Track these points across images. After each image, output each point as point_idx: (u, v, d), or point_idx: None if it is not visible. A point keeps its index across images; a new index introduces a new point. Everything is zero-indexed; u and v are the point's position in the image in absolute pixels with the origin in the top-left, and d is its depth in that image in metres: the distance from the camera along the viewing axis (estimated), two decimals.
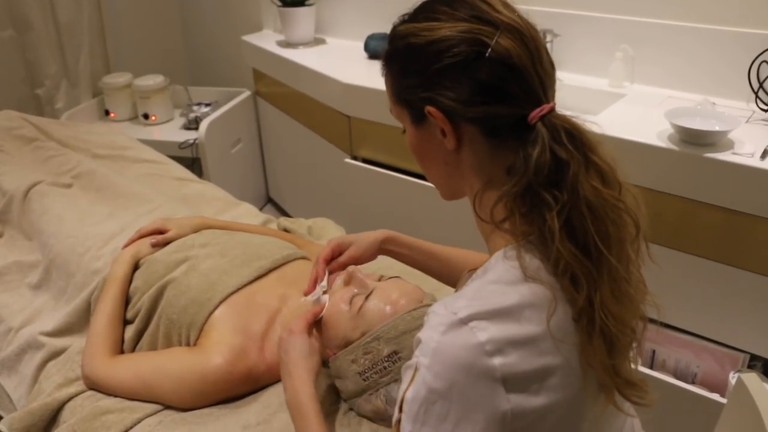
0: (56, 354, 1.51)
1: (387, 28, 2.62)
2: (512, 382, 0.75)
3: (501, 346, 0.75)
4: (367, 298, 1.15)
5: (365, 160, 2.41)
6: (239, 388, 1.27)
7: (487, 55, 0.79)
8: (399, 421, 0.80)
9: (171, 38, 3.73)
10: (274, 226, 1.90)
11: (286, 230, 1.83)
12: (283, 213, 3.29)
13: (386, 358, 1.09)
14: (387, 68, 0.91)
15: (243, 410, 1.25)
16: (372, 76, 2.45)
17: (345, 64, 2.59)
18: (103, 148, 2.28)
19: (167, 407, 1.28)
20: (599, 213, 0.79)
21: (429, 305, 1.11)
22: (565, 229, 0.78)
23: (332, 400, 1.23)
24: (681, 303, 1.85)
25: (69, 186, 1.97)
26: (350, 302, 1.16)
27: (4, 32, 2.97)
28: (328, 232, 1.86)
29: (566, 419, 0.81)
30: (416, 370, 0.78)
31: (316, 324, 1.18)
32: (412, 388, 0.77)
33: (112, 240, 1.68)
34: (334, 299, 1.18)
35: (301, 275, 1.42)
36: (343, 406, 1.21)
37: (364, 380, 1.11)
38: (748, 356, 1.84)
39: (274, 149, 3.24)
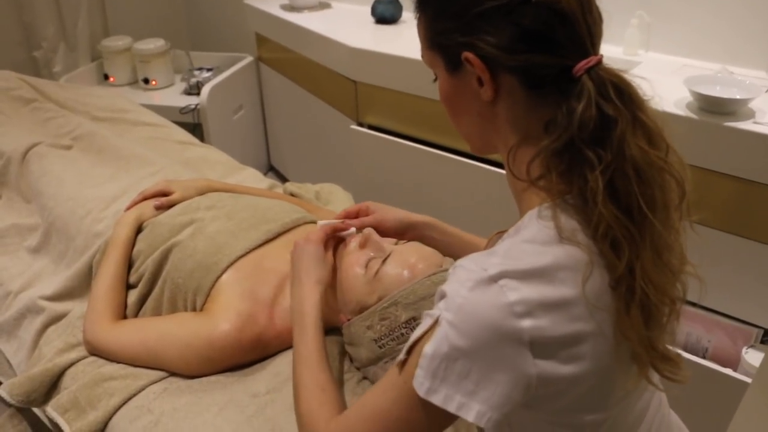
0: (56, 319, 1.47)
1: None
2: (540, 346, 0.71)
3: (531, 308, 0.70)
4: (384, 261, 1.10)
5: (371, 127, 2.35)
6: (247, 355, 1.23)
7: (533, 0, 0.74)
8: (403, 362, 0.77)
9: (171, 2, 3.65)
10: (279, 191, 1.85)
11: (292, 195, 1.78)
12: (285, 181, 3.23)
13: (404, 325, 1.05)
14: (420, 10, 0.85)
15: (251, 378, 1.21)
16: (379, 40, 2.39)
17: (351, 28, 2.52)
18: (102, 110, 2.21)
19: (172, 374, 1.25)
20: (645, 175, 0.74)
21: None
22: (607, 191, 0.73)
23: (345, 367, 1.19)
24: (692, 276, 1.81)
25: (69, 148, 1.91)
26: (366, 266, 1.11)
27: None
28: (336, 197, 1.81)
29: (595, 390, 0.77)
30: (437, 322, 0.73)
31: (334, 250, 1.19)
32: (432, 342, 0.73)
33: (114, 203, 1.62)
34: (349, 261, 1.13)
35: None
36: (357, 375, 1.17)
37: (380, 347, 1.07)
38: (761, 331, 1.81)
39: (277, 116, 3.18)
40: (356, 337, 1.11)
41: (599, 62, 0.76)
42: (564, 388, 0.75)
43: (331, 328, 1.22)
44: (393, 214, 1.22)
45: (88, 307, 1.37)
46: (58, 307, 1.49)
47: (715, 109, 1.68)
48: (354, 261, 1.13)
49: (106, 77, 3.19)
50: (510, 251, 0.75)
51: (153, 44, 3.07)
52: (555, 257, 0.73)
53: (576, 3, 0.75)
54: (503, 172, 1.93)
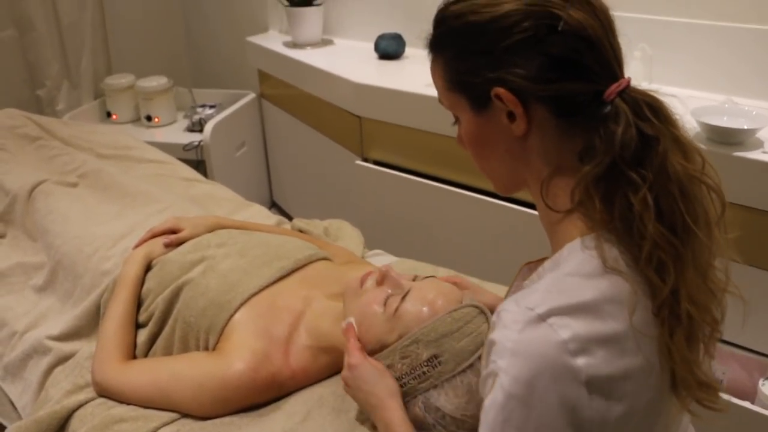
0: (64, 359, 1.44)
1: (397, 29, 2.58)
2: (596, 385, 0.69)
3: (585, 345, 0.68)
4: (403, 298, 1.08)
5: (377, 162, 2.34)
6: (262, 395, 1.20)
7: (559, 27, 0.74)
8: None
9: (174, 39, 3.67)
10: (287, 227, 1.83)
11: (300, 231, 1.77)
12: (289, 217, 3.22)
13: (425, 363, 1.02)
14: (437, 52, 0.85)
15: (267, 419, 1.18)
16: (383, 75, 2.40)
17: (355, 64, 2.54)
18: (107, 147, 2.21)
19: (184, 415, 1.21)
20: (687, 191, 0.73)
21: (472, 306, 1.05)
22: (653, 210, 0.72)
23: None
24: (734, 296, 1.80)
25: (75, 185, 1.90)
26: (384, 303, 1.09)
27: (4, 32, 2.90)
28: (345, 233, 1.79)
29: (641, 425, 0.75)
30: (495, 375, 0.71)
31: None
32: (491, 395, 0.71)
33: (122, 240, 1.61)
34: (367, 300, 1.11)
35: (324, 276, 1.36)
36: None
37: (402, 386, 1.04)
38: None
39: (279, 152, 3.18)
40: None
41: (628, 84, 0.76)
42: (612, 430, 0.72)
43: None
44: (486, 296, 1.18)
45: (97, 347, 1.34)
46: (66, 347, 1.46)
47: (723, 139, 1.68)
48: (372, 299, 1.10)
49: (109, 115, 3.19)
50: (553, 286, 0.73)
51: (156, 82, 3.08)
52: (600, 290, 0.72)
53: (600, 28, 0.76)
54: (512, 206, 1.95)
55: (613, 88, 0.75)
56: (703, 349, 0.78)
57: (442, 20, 0.84)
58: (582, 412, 0.69)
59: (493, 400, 0.70)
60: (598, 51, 0.75)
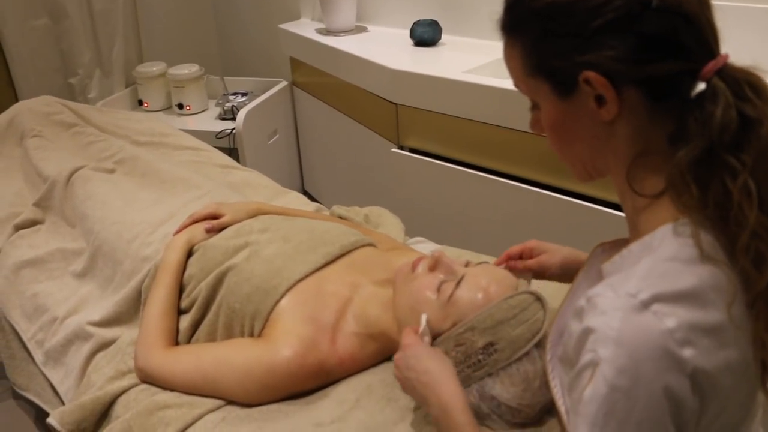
0: (105, 345, 1.43)
1: (432, 15, 2.53)
2: (698, 380, 0.66)
3: (690, 335, 0.65)
4: (457, 285, 1.05)
5: (413, 150, 2.31)
6: (309, 382, 1.18)
7: (653, 4, 0.69)
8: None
9: (205, 27, 3.67)
10: (326, 214, 1.81)
11: (340, 218, 1.74)
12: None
13: (481, 350, 0.99)
14: (516, 37, 0.80)
15: (314, 407, 1.16)
16: (419, 62, 2.36)
17: (390, 51, 2.50)
18: (142, 134, 2.20)
19: (230, 402, 1.19)
20: None
21: (528, 293, 1.02)
22: (749, 200, 0.68)
23: None
24: None
25: (112, 171, 1.89)
26: (438, 289, 1.06)
27: (39, 21, 2.92)
28: (385, 220, 1.77)
29: (733, 417, 0.71)
30: (596, 366, 0.67)
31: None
32: (591, 386, 0.67)
33: (162, 226, 1.59)
34: (419, 286, 1.08)
35: (370, 262, 1.33)
36: None
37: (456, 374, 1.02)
38: None
39: (311, 140, 3.16)
40: None
41: (726, 62, 0.71)
42: (706, 424, 0.69)
43: None
44: (557, 256, 1.13)
45: (139, 333, 1.33)
46: (107, 333, 1.45)
47: None
48: (425, 285, 1.08)
49: (141, 103, 3.20)
50: (652, 271, 0.70)
51: (187, 69, 3.08)
52: (701, 278, 0.68)
53: (696, 2, 0.71)
54: (551, 194, 1.91)
55: (711, 66, 0.70)
56: None
57: (518, 2, 0.79)
58: (685, 404, 0.66)
59: (594, 391, 0.67)
60: (695, 27, 0.71)
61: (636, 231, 0.79)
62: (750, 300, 0.69)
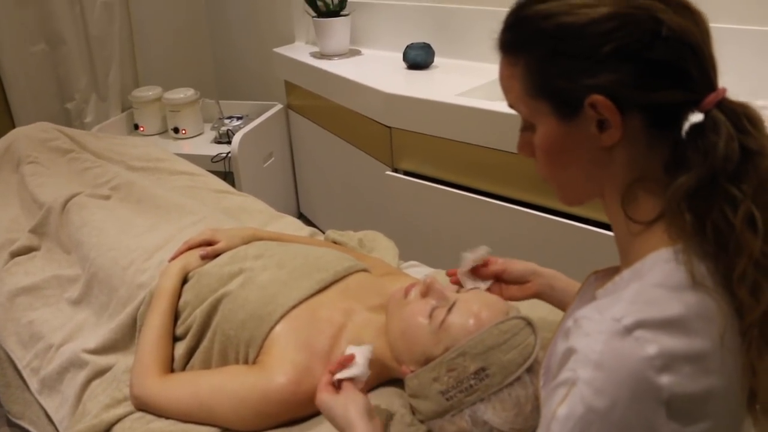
0: (101, 372, 1.43)
1: (425, 38, 2.55)
2: (676, 405, 0.67)
3: (670, 362, 0.66)
4: (449, 310, 1.06)
5: (407, 173, 2.33)
6: (304, 408, 1.18)
7: (663, 33, 0.71)
8: None
9: (200, 52, 3.70)
10: (321, 238, 1.82)
11: (335, 243, 1.75)
12: (317, 229, 3.21)
13: (472, 375, 1.00)
14: (516, 56, 0.80)
15: None
16: (413, 85, 2.39)
17: (384, 74, 2.53)
18: (138, 159, 2.21)
19: (225, 430, 1.20)
20: None
21: (519, 318, 1.03)
22: (751, 227, 0.69)
23: (408, 420, 1.14)
24: None
25: (107, 198, 1.90)
26: (430, 315, 1.07)
27: (36, 47, 2.94)
28: (379, 244, 1.78)
29: None
30: (573, 384, 0.69)
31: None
32: (566, 404, 0.68)
33: (157, 252, 1.60)
34: (412, 312, 1.09)
35: (364, 288, 1.34)
36: (421, 428, 1.12)
37: (448, 399, 1.02)
38: None
39: (307, 163, 3.17)
40: (422, 390, 1.06)
41: (725, 95, 0.73)
42: None
43: (391, 380, 1.18)
44: (520, 264, 1.17)
45: (135, 361, 1.34)
46: (102, 360, 1.45)
47: None
48: (417, 310, 1.09)
49: (137, 127, 3.21)
50: (639, 297, 0.71)
51: (183, 93, 3.10)
52: (688, 305, 0.69)
53: (700, 34, 0.73)
54: (546, 216, 1.92)
55: (712, 97, 0.72)
56: None
57: (524, 20, 0.79)
58: (660, 430, 0.67)
59: (570, 410, 0.68)
60: (699, 58, 0.72)
61: (627, 257, 0.80)
62: (743, 328, 0.70)
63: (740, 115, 0.72)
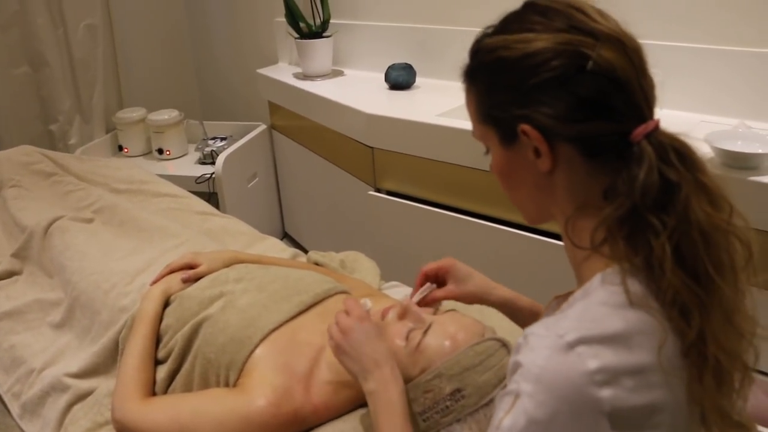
0: (82, 396, 1.44)
1: (407, 59, 2.58)
2: (619, 418, 0.69)
3: (611, 377, 0.68)
4: (425, 332, 1.08)
5: (390, 193, 2.35)
6: (284, 431, 1.19)
7: (588, 67, 0.74)
8: None
9: (184, 73, 3.72)
10: (303, 260, 1.83)
11: (316, 264, 1.77)
12: (301, 249, 3.22)
13: (448, 397, 1.02)
14: (470, 84, 0.85)
15: None
16: (394, 106, 2.41)
17: (366, 94, 2.55)
18: (121, 182, 2.22)
19: None
20: (711, 239, 0.73)
21: (495, 339, 1.05)
22: (674, 257, 0.72)
23: None
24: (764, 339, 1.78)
25: (90, 221, 1.91)
26: (407, 338, 1.09)
27: (19, 69, 2.96)
28: (360, 265, 1.79)
29: None
30: (517, 396, 0.71)
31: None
32: (510, 416, 0.71)
33: (139, 276, 1.61)
34: (389, 334, 1.11)
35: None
36: None
37: (424, 420, 1.04)
38: None
39: (291, 183, 3.19)
40: None
41: (656, 127, 0.75)
42: None
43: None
44: (468, 286, 1.19)
45: (116, 385, 1.34)
46: (84, 384, 1.46)
47: (738, 164, 1.67)
48: (394, 333, 1.10)
49: (121, 148, 3.22)
50: (584, 315, 0.73)
51: (167, 115, 3.11)
52: (628, 322, 0.71)
53: (631, 69, 0.75)
54: (529, 235, 1.94)
55: (640, 130, 0.74)
56: (735, 391, 0.77)
57: (476, 52, 0.84)
58: None
59: (514, 421, 0.70)
60: (626, 92, 0.75)
61: (579, 279, 0.83)
62: (684, 349, 0.72)
63: (668, 147, 0.74)
